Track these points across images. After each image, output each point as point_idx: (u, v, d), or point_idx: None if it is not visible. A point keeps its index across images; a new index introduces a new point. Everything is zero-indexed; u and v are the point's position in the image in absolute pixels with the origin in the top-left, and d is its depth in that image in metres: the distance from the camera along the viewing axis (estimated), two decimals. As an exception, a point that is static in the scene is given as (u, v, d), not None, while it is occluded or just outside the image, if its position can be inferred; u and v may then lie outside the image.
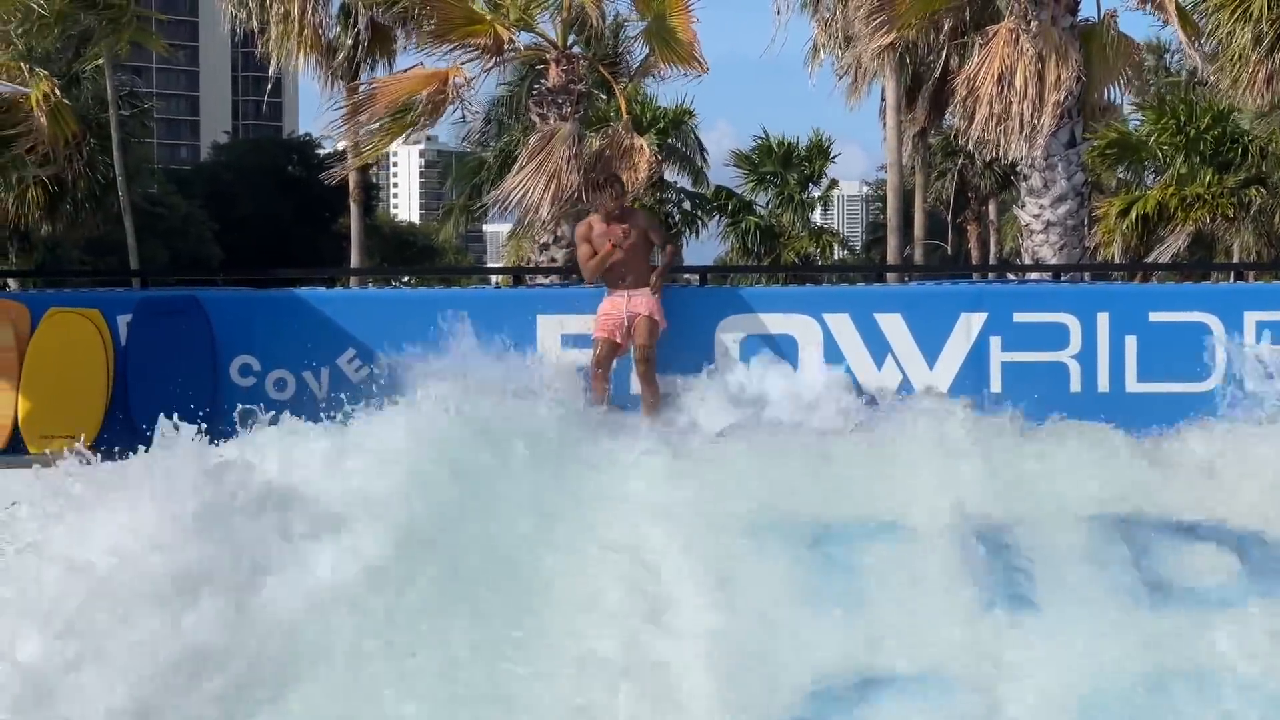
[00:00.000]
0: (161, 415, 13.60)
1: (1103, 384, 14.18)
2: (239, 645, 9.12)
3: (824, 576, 9.64)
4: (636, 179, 19.16)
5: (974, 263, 51.74)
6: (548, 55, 18.76)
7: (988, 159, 48.92)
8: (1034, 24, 19.10)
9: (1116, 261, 31.46)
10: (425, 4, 17.59)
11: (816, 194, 46.67)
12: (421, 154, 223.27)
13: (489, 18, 17.62)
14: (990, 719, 8.86)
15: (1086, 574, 9.75)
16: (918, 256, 43.16)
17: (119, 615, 9.25)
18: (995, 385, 14.19)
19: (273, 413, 12.12)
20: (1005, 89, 18.83)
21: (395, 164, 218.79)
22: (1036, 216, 19.70)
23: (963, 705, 8.92)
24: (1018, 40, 18.97)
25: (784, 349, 14.33)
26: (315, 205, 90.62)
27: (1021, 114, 18.79)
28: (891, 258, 38.30)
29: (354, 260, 41.27)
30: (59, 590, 9.44)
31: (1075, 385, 14.17)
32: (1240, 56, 27.35)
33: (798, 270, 40.99)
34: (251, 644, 9.17)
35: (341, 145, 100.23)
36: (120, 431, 14.04)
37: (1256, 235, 35.87)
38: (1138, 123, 36.72)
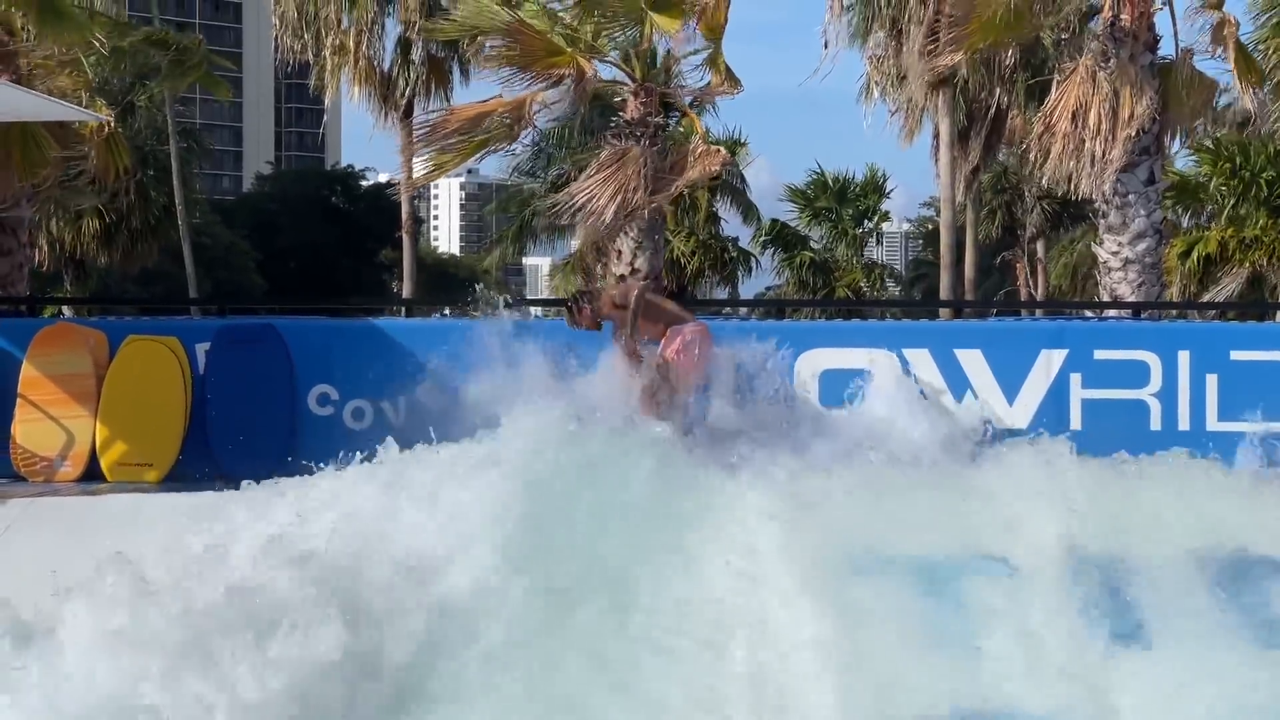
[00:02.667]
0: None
1: (1183, 422, 14.08)
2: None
3: (932, 613, 9.58)
4: (706, 173, 19.25)
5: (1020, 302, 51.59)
6: (626, 87, 18.82)
7: (1038, 196, 49.02)
8: (1112, 60, 19.10)
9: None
10: (507, 35, 17.61)
11: (869, 226, 46.69)
12: (462, 186, 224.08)
13: (569, 50, 17.67)
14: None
15: (1197, 611, 9.67)
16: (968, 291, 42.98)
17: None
18: (1075, 423, 14.10)
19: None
20: (1079, 125, 18.80)
21: (436, 196, 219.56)
22: (1115, 254, 19.59)
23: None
24: (1094, 77, 18.94)
25: (863, 383, 14.25)
26: (358, 236, 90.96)
27: (1094, 150, 18.74)
28: (944, 294, 38.22)
29: (405, 291, 41.44)
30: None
31: (1155, 423, 14.06)
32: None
33: (861, 304, 40.96)
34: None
35: (384, 177, 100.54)
36: (198, 460, 14.09)
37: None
38: (1192, 163, 36.65)
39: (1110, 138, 18.63)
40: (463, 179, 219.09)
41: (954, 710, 9.05)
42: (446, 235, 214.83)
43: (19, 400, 14.17)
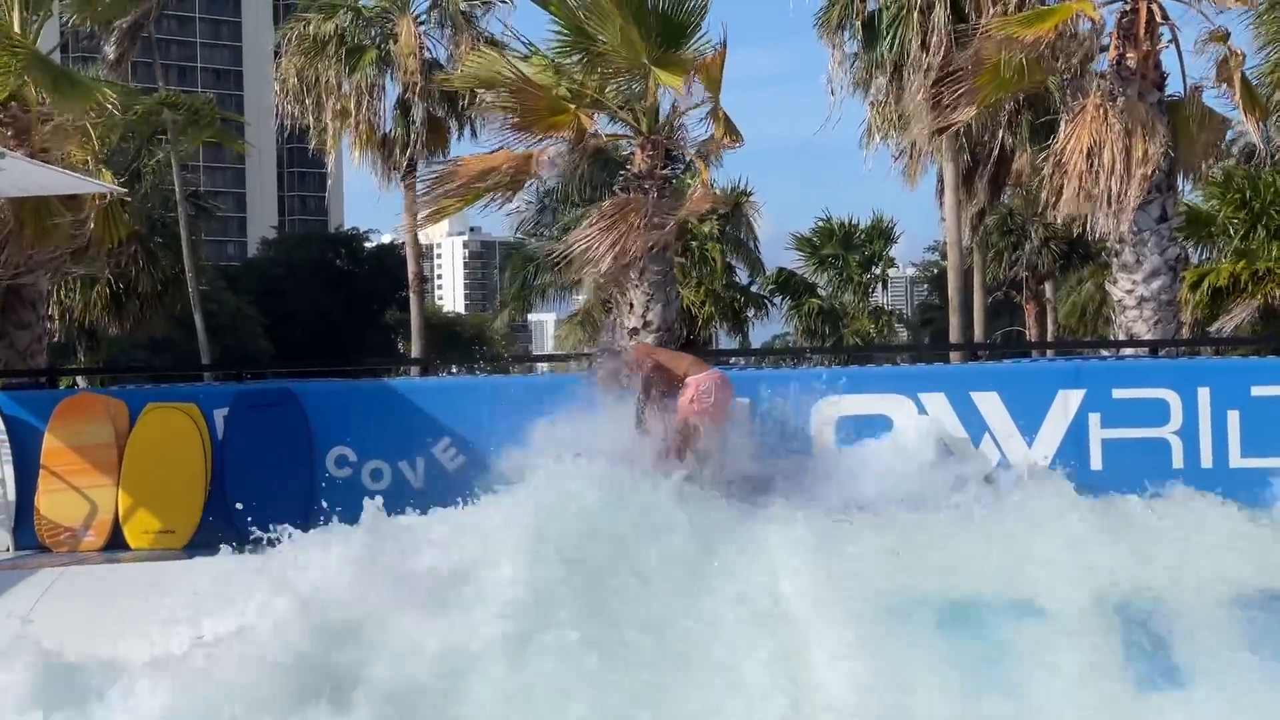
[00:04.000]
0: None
1: (1206, 460, 13.97)
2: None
3: (965, 656, 9.53)
4: (696, 210, 19.39)
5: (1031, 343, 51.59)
6: (632, 140, 18.91)
7: (1045, 236, 49.08)
8: (1120, 99, 19.16)
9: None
10: (511, 93, 17.71)
11: (875, 272, 46.92)
12: (465, 245, 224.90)
13: (572, 108, 17.78)
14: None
15: (1229, 652, 9.60)
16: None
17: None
18: (1095, 463, 13.99)
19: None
20: (1093, 164, 18.83)
21: (439, 256, 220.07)
22: (1130, 292, 19.61)
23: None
24: (1105, 116, 18.98)
25: (880, 429, 14.22)
26: (363, 298, 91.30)
27: (1109, 189, 18.76)
28: (954, 337, 38.26)
29: (414, 350, 41.51)
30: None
31: (1178, 461, 13.95)
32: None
33: (878, 350, 41.09)
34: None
35: (388, 238, 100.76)
36: (219, 525, 14.08)
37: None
38: (1200, 198, 36.70)
39: (1124, 177, 18.65)
40: (466, 237, 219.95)
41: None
42: (451, 294, 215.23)
43: (41, 471, 14.20)
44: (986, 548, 10.41)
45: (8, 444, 14.45)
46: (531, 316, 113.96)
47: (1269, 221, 32.24)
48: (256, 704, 9.24)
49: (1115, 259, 19.97)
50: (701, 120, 19.19)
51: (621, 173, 19.75)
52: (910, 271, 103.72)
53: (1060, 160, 19.23)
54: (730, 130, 18.81)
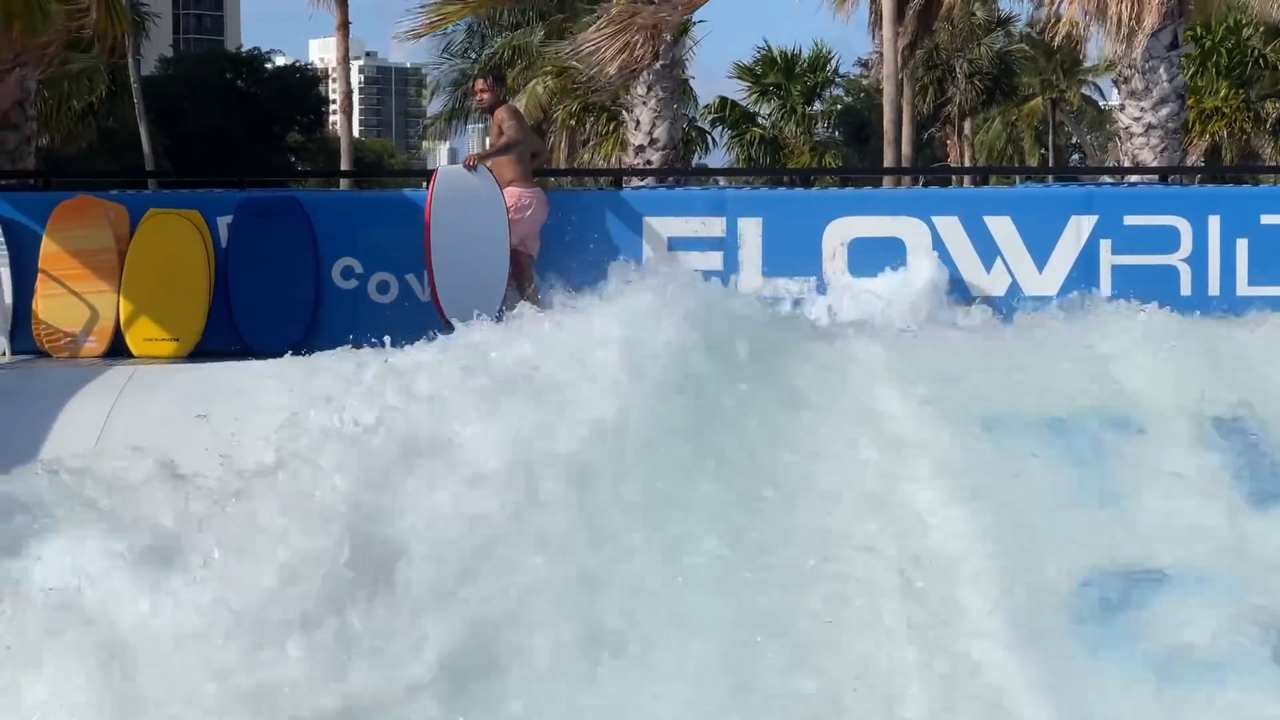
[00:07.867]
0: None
1: (1213, 287, 14.10)
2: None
3: (1066, 472, 9.49)
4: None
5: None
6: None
7: (969, 73, 49.02)
8: (1133, -78, 18.97)
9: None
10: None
11: (821, 106, 46.51)
12: (362, 70, 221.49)
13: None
14: (1258, 613, 8.75)
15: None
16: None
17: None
18: (1105, 288, 14.07)
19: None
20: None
21: (334, 80, 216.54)
22: (1137, 119, 19.56)
23: (1230, 600, 8.79)
24: (1121, -66, 18.78)
25: (893, 251, 14.21)
26: (265, 120, 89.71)
27: (1120, 14, 18.61)
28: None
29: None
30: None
31: (1186, 289, 14.07)
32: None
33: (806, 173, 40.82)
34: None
35: (281, 60, 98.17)
36: (223, 334, 13.89)
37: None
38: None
39: (1136, 2, 18.47)
40: (362, 62, 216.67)
41: (1104, 569, 8.97)
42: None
43: (40, 275, 13.88)
44: (1064, 365, 10.33)
45: (4, 247, 14.09)
46: (424, 144, 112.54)
47: (1218, 59, 32.19)
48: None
49: (1124, 85, 19.86)
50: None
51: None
52: (818, 107, 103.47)
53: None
54: None
